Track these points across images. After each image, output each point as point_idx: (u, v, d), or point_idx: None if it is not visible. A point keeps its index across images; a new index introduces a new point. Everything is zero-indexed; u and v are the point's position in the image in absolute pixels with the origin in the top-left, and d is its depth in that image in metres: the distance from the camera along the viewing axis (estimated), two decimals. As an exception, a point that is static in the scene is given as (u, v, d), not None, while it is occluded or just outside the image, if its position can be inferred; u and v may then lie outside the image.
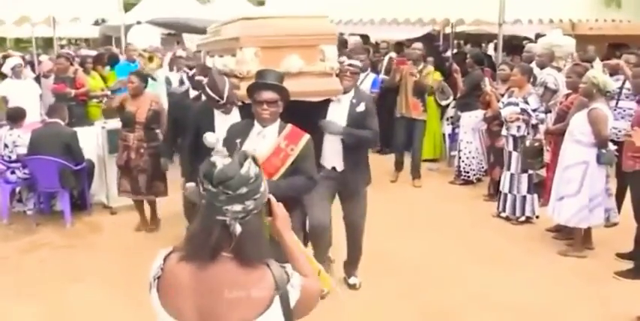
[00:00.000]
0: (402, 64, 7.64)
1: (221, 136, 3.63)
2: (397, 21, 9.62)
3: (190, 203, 4.65)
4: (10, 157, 6.11)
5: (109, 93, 8.24)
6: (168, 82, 8.45)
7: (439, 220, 6.16)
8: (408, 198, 7.06)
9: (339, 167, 4.32)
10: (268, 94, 3.29)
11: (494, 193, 6.61)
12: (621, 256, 5.00)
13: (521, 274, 4.82)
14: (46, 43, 18.53)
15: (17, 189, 6.30)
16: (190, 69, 7.23)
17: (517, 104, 5.86)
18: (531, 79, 6.26)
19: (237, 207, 1.59)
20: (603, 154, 4.89)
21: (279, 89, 3.33)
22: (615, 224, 5.19)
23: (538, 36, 11.09)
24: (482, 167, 7.48)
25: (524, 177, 5.94)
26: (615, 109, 5.86)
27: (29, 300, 4.42)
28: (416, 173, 7.60)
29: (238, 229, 1.59)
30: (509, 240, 5.60)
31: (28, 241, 5.68)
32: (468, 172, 7.50)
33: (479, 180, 7.51)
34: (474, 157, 7.45)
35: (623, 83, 6.04)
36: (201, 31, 11.26)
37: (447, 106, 8.33)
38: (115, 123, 6.13)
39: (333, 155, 4.30)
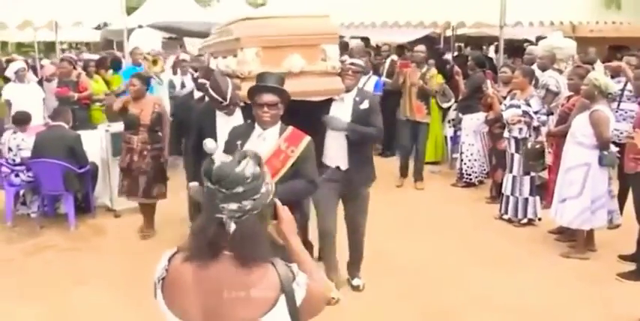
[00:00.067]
0: (405, 67, 7.66)
1: (223, 137, 3.67)
2: (398, 24, 9.66)
3: (195, 203, 4.68)
4: (14, 160, 6.14)
5: (105, 98, 8.27)
6: (172, 85, 8.50)
7: (441, 222, 6.17)
8: (410, 200, 7.08)
9: (344, 166, 4.30)
10: (269, 97, 3.28)
11: (497, 195, 6.63)
12: (624, 258, 5.00)
13: (524, 276, 4.82)
14: (48, 48, 18.58)
15: (21, 192, 6.32)
16: (195, 71, 7.26)
17: (519, 106, 5.88)
18: (533, 82, 6.28)
19: (233, 206, 1.59)
20: (605, 155, 4.91)
21: (280, 92, 3.32)
22: (618, 226, 5.20)
23: (539, 38, 11.10)
24: (484, 169, 7.50)
25: (527, 179, 5.96)
26: (617, 111, 5.88)
27: (33, 302, 4.44)
28: (418, 176, 7.61)
29: (232, 227, 1.59)
30: (511, 242, 5.61)
31: (32, 243, 5.70)
32: (469, 175, 7.51)
33: (481, 182, 7.52)
34: (475, 160, 7.46)
35: (625, 85, 6.06)
36: (203, 34, 11.29)
37: (449, 108, 8.35)
38: (119, 126, 6.16)
39: (337, 154, 4.28)
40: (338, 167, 4.31)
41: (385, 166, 7.84)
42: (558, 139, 5.64)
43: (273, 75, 3.47)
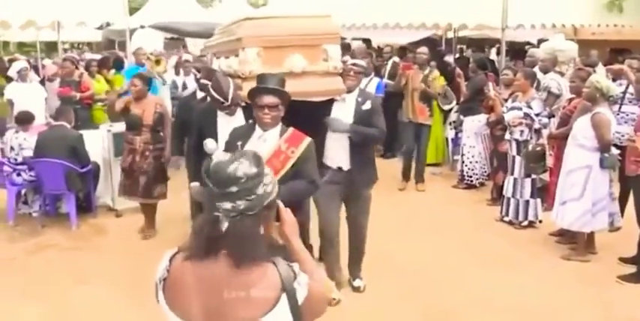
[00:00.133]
0: (407, 69, 7.67)
1: (224, 137, 3.68)
2: (400, 25, 9.66)
3: (196, 203, 4.68)
4: (16, 160, 6.15)
5: (106, 98, 8.28)
6: (174, 86, 8.51)
7: (442, 223, 6.18)
8: (411, 201, 7.09)
9: (345, 167, 4.28)
10: (269, 99, 3.28)
11: (498, 197, 6.64)
12: (624, 260, 5.01)
13: (524, 278, 4.83)
14: (49, 47, 18.61)
15: (23, 191, 6.34)
16: (198, 71, 7.28)
17: (520, 109, 5.89)
18: (535, 84, 6.29)
19: (228, 205, 1.59)
20: (606, 158, 4.92)
21: (280, 93, 3.32)
22: (618, 229, 5.21)
23: (540, 41, 11.12)
24: (485, 171, 7.51)
25: (528, 181, 5.97)
26: (618, 114, 5.88)
27: (35, 300, 4.45)
28: (420, 177, 7.62)
29: (224, 226, 1.59)
30: (512, 244, 5.61)
31: (34, 242, 5.71)
32: (471, 177, 7.52)
33: (482, 184, 7.53)
34: (477, 162, 7.48)
35: (627, 88, 6.06)
36: (204, 35, 11.30)
37: (450, 110, 8.36)
38: (121, 126, 6.17)
39: (338, 154, 4.26)
40: (340, 168, 4.30)
41: (386, 168, 7.83)
42: (559, 141, 5.64)
43: (274, 76, 3.46)
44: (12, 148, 6.20)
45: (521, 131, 5.90)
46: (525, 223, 6.02)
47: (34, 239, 5.79)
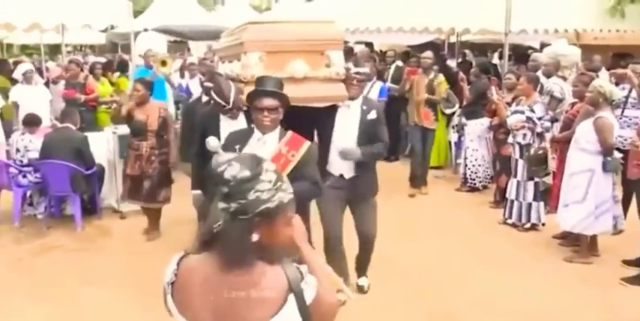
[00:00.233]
0: (413, 74, 7.69)
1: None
2: (403, 29, 9.67)
3: (202, 208, 4.70)
4: (22, 162, 6.19)
5: (117, 99, 8.30)
6: (181, 89, 8.52)
7: (445, 226, 6.20)
8: (414, 204, 7.12)
9: (348, 174, 4.26)
10: (268, 101, 3.28)
11: (501, 200, 6.66)
12: (627, 262, 5.03)
13: (527, 280, 4.85)
14: (52, 50, 18.68)
15: (28, 193, 6.37)
16: (203, 75, 7.31)
17: (523, 112, 5.92)
18: (538, 88, 6.32)
19: (222, 205, 1.58)
20: (609, 161, 4.94)
21: (279, 96, 3.32)
22: (622, 231, 5.23)
23: (543, 45, 11.16)
24: (488, 175, 7.54)
25: (531, 184, 5.99)
26: (621, 118, 5.92)
27: (41, 301, 4.48)
28: (423, 181, 7.63)
29: (219, 225, 1.58)
30: (515, 246, 5.63)
31: (40, 243, 5.74)
32: (474, 180, 7.55)
33: (485, 187, 7.56)
34: (479, 165, 7.50)
35: (629, 92, 6.10)
36: (208, 38, 11.37)
37: (453, 114, 8.38)
38: (125, 128, 6.20)
39: (341, 162, 4.22)
40: (341, 175, 4.27)
41: (390, 171, 7.86)
42: (562, 144, 5.68)
43: (272, 79, 3.46)
44: (18, 150, 6.24)
45: (524, 135, 5.93)
46: (528, 225, 6.04)
47: (40, 240, 5.82)
